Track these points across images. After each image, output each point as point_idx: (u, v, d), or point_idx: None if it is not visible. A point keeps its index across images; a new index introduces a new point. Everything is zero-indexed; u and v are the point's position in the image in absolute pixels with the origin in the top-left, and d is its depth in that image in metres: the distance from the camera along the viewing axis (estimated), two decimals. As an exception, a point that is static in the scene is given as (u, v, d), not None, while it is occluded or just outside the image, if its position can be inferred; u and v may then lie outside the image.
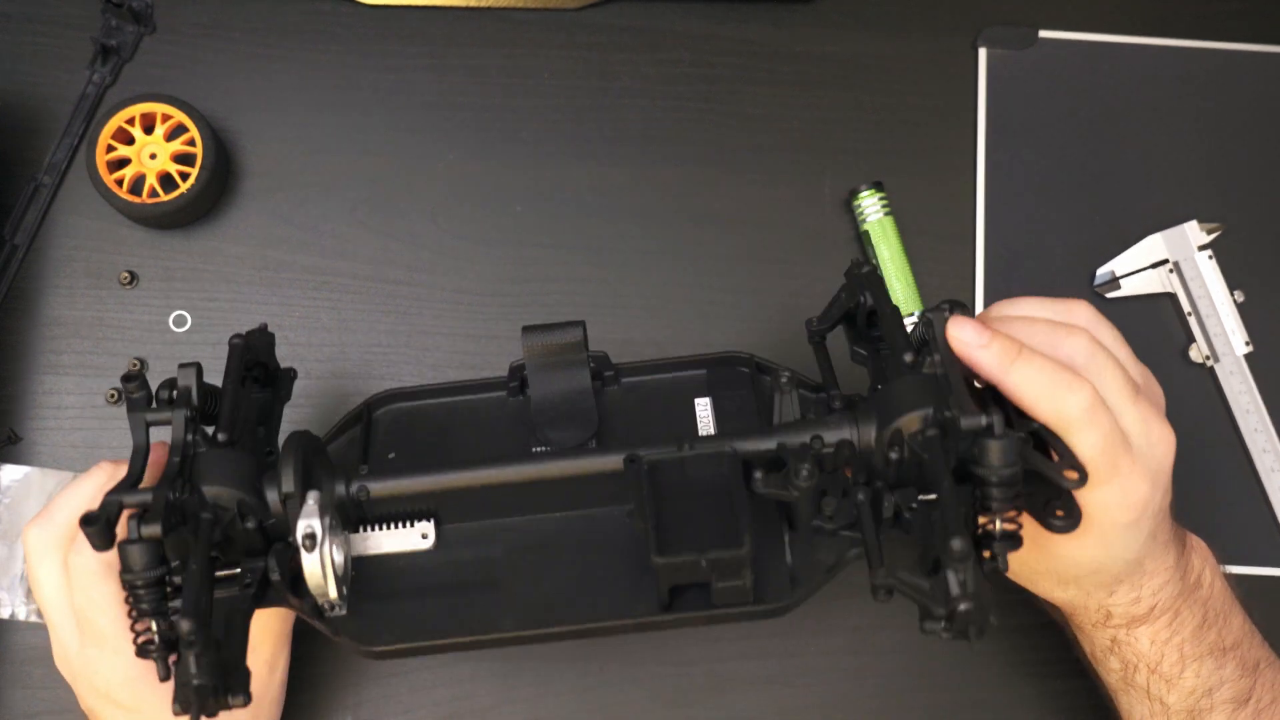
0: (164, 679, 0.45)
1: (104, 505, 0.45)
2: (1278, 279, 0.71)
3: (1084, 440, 0.48)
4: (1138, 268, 0.70)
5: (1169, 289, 0.70)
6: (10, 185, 0.67)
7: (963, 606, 0.42)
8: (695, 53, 0.72)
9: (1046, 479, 0.47)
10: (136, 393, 0.49)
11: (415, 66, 0.71)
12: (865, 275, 0.53)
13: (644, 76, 0.72)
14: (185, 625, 0.42)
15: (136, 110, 0.65)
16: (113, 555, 0.45)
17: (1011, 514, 0.45)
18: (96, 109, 0.69)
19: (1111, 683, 0.58)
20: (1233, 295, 0.69)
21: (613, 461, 0.50)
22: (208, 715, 0.43)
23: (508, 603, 0.50)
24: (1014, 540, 0.45)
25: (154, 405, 0.50)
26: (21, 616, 0.63)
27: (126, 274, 0.67)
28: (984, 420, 0.45)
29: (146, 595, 0.45)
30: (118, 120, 0.65)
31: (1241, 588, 0.57)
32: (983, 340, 0.49)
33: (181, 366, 0.50)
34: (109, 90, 0.69)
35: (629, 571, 0.50)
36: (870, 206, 0.69)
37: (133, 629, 0.46)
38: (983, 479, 0.45)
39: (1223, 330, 0.68)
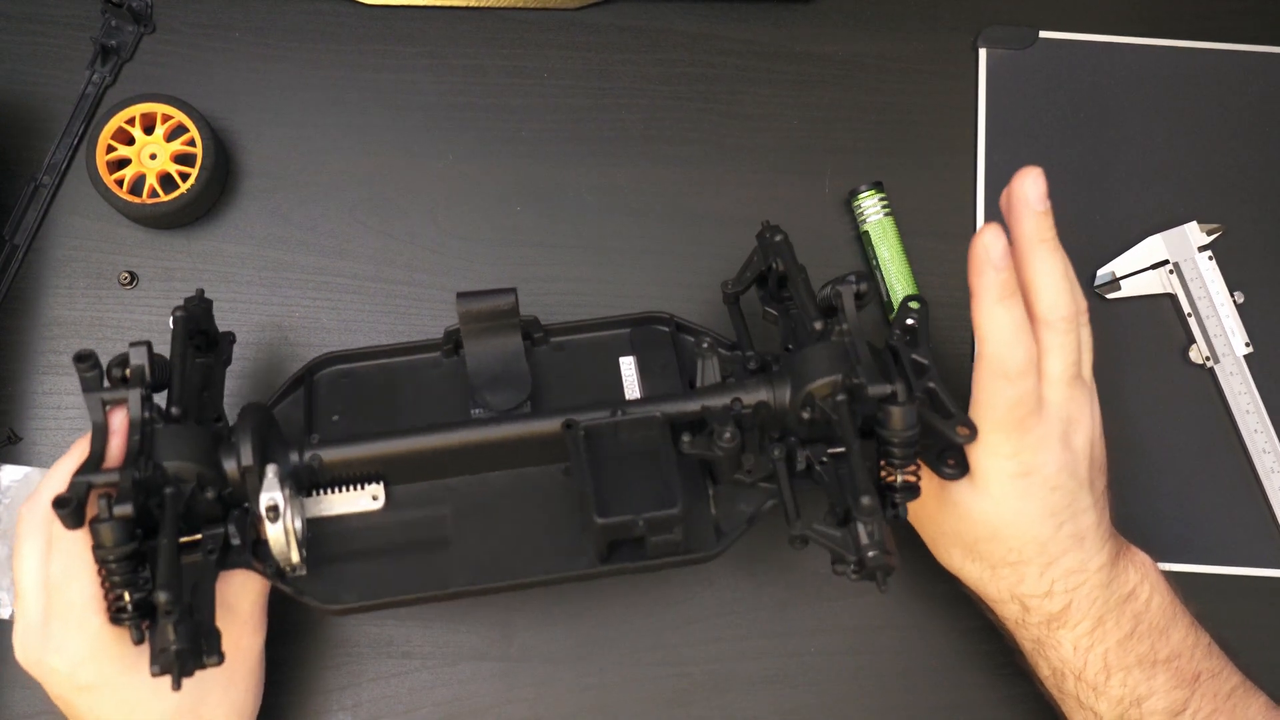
0: (138, 643, 0.47)
1: (73, 486, 0.47)
2: (1278, 279, 0.70)
3: (1052, 355, 0.53)
4: (1138, 268, 0.70)
5: (1169, 290, 0.70)
6: (10, 185, 0.67)
7: (871, 554, 0.48)
8: (695, 53, 0.72)
9: (941, 434, 0.52)
10: (89, 372, 0.50)
11: (415, 66, 0.71)
12: (777, 244, 0.58)
13: (644, 76, 0.72)
14: (163, 597, 0.45)
15: (136, 110, 0.65)
16: None
17: (911, 469, 0.51)
18: (96, 109, 0.69)
19: (1047, 690, 0.59)
20: (1233, 296, 0.69)
21: (551, 425, 0.54)
22: (186, 675, 0.45)
23: (459, 560, 0.53)
24: (913, 490, 0.52)
25: (107, 384, 0.51)
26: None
27: (126, 274, 0.67)
28: (889, 388, 0.50)
29: (119, 569, 0.47)
30: (118, 120, 0.65)
31: (1195, 605, 0.57)
32: (1042, 206, 0.53)
33: (133, 345, 0.51)
34: (109, 90, 0.69)
35: (567, 525, 0.54)
36: (870, 206, 0.69)
37: (106, 599, 0.48)
38: (886, 439, 0.51)
39: (1223, 331, 0.68)
